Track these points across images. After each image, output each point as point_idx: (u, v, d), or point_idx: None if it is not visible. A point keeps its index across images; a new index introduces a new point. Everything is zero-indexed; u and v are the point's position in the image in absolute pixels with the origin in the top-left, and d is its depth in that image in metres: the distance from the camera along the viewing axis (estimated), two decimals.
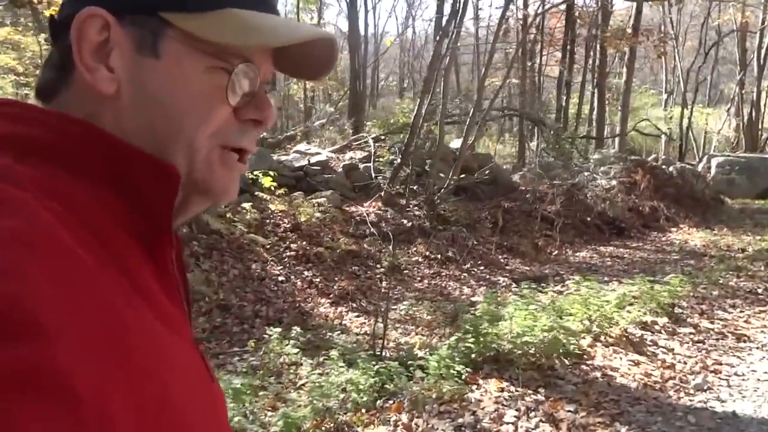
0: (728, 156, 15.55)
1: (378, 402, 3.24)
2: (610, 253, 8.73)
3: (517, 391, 3.31)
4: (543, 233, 9.14)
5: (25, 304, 0.32)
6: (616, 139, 17.64)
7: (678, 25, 23.92)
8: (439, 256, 7.71)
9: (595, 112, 17.51)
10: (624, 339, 3.99)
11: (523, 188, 10.40)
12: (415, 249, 7.77)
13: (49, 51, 0.52)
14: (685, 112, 19.98)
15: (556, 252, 8.75)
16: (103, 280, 0.39)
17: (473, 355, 3.70)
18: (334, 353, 3.49)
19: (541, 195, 9.81)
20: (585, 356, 3.75)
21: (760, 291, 5.16)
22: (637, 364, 3.66)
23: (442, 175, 8.67)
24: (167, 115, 0.49)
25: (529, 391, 3.30)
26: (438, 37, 7.68)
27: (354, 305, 6.09)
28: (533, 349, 3.64)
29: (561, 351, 3.71)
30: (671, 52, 24.64)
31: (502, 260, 8.12)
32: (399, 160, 7.94)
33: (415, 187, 8.55)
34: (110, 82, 0.47)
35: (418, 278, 7.09)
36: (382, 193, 8.44)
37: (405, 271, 7.20)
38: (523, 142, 13.51)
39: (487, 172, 8.51)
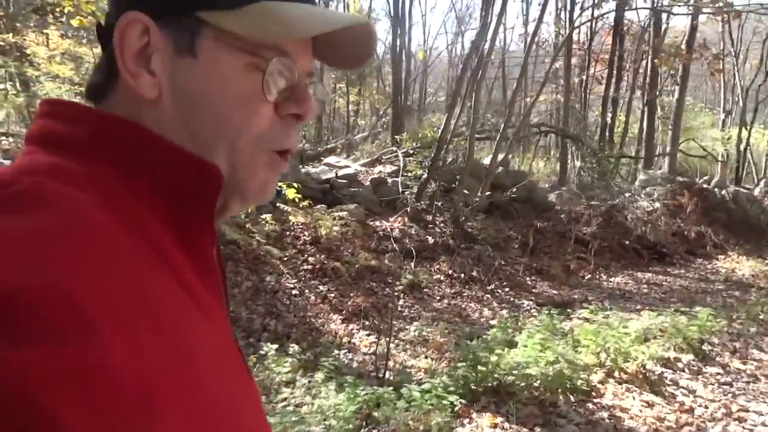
0: None
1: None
2: (647, 280, 8.24)
3: (511, 428, 3.06)
4: (576, 256, 8.72)
5: (75, 300, 0.33)
6: (666, 160, 16.86)
7: (738, 42, 22.78)
8: (462, 275, 7.46)
9: (644, 132, 16.83)
10: (640, 376, 3.66)
11: (559, 208, 10.00)
12: (438, 267, 7.55)
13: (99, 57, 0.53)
14: (744, 133, 18.91)
15: (588, 276, 8.33)
16: (149, 274, 0.40)
17: (472, 385, 3.47)
18: (319, 375, 3.33)
19: (577, 215, 9.40)
20: (593, 393, 3.45)
21: None
22: (650, 405, 3.34)
23: (469, 192, 8.43)
24: (207, 116, 0.49)
25: (525, 430, 3.04)
26: (468, 50, 7.49)
27: (366, 323, 5.93)
28: (537, 382, 3.38)
29: (568, 386, 3.43)
30: (730, 70, 23.50)
31: (529, 282, 7.79)
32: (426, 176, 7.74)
33: (441, 204, 8.34)
34: (152, 87, 0.48)
35: (438, 297, 6.86)
36: (408, 209, 8.27)
37: (425, 290, 6.98)
38: (565, 161, 13.05)
39: (514, 190, 8.21)
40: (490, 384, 3.51)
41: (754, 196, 13.97)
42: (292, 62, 0.51)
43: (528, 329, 4.47)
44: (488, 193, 9.38)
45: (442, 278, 7.35)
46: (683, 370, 3.82)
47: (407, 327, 5.88)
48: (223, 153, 0.50)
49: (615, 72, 14.75)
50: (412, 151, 9.11)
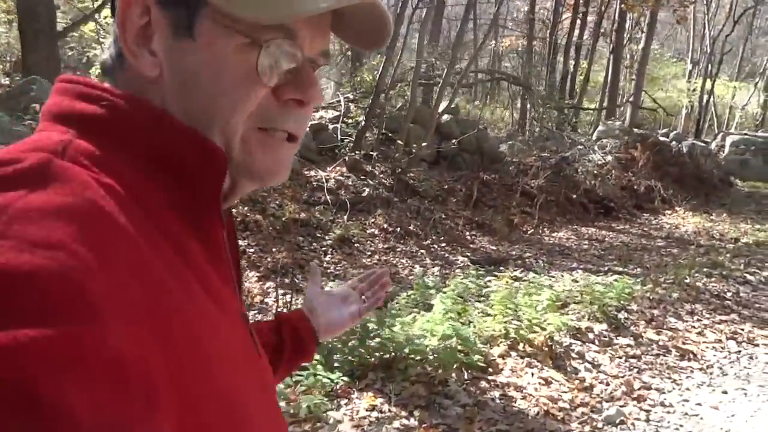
0: (745, 135, 14.49)
1: None
2: (590, 236, 8.06)
3: (389, 411, 2.78)
4: (521, 210, 8.47)
5: (75, 282, 0.33)
6: (628, 111, 16.59)
7: None
8: (398, 229, 7.13)
9: (609, 81, 16.44)
10: (546, 349, 3.41)
11: (509, 159, 9.67)
12: (373, 220, 7.19)
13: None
14: (708, 85, 18.71)
15: (531, 231, 8.10)
16: (153, 256, 0.40)
17: (358, 360, 3.16)
18: None
19: (526, 168, 9.09)
20: (491, 369, 3.19)
21: (728, 296, 4.50)
22: (548, 383, 3.10)
23: (415, 142, 7.99)
24: (204, 97, 0.48)
25: (404, 413, 2.76)
26: None
27: (286, 281, 5.58)
28: (431, 356, 3.10)
29: (464, 360, 3.16)
30: (701, 19, 23.04)
31: (468, 237, 7.52)
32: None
33: (378, 154, 7.89)
34: (153, 66, 0.48)
35: (369, 253, 6.54)
36: (347, 158, 7.82)
37: (356, 245, 6.65)
38: (525, 111, 12.60)
39: (457, 140, 7.78)
40: (382, 358, 3.22)
41: (710, 150, 13.89)
42: (294, 44, 0.49)
43: (443, 293, 4.17)
44: (436, 143, 8.97)
45: (376, 232, 7.01)
46: (593, 342, 3.59)
47: (330, 284, 5.57)
48: (218, 134, 0.49)
49: (580, 17, 14.17)
50: (353, 96, 8.55)
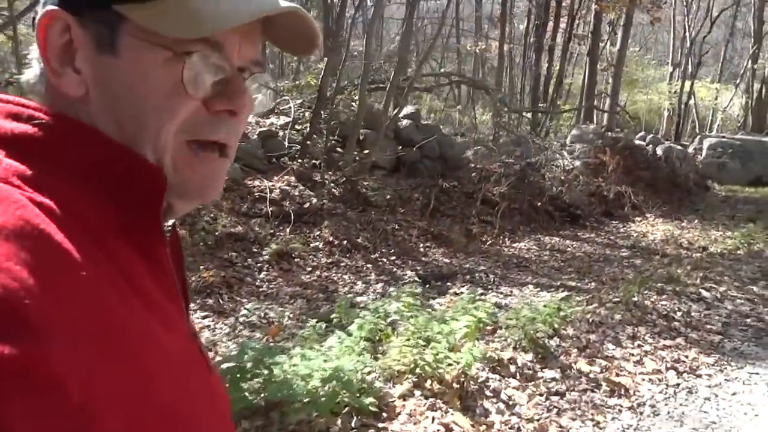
0: (722, 137, 14.20)
1: None
2: (553, 246, 7.66)
3: None
4: (481, 219, 8.07)
5: (13, 302, 0.32)
6: (605, 114, 16.28)
7: None
8: (345, 242, 6.70)
9: (585, 84, 16.11)
10: (456, 386, 2.99)
11: (473, 166, 9.27)
12: (318, 233, 6.76)
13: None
14: (687, 87, 18.45)
15: (491, 242, 7.70)
16: (92, 275, 0.39)
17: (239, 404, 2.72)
18: None
19: (489, 174, 8.69)
20: (385, 414, 2.77)
21: (677, 316, 4.09)
22: (449, 430, 2.67)
23: (369, 148, 7.57)
24: (132, 113, 0.48)
25: None
26: None
27: (209, 302, 5.13)
28: (305, 400, 2.67)
29: (355, 405, 2.73)
30: (682, 21, 22.85)
31: (421, 249, 7.10)
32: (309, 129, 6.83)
33: (324, 161, 7.47)
34: (78, 85, 0.47)
35: (309, 269, 6.10)
36: (294, 167, 7.39)
37: (296, 260, 6.21)
38: (497, 115, 12.19)
39: (415, 148, 7.37)
40: (267, 401, 2.79)
41: (686, 153, 13.58)
42: (222, 55, 0.49)
43: (360, 318, 3.75)
44: (392, 150, 8.56)
45: (320, 246, 6.58)
46: (514, 376, 3.17)
47: (257, 306, 5.14)
48: (148, 147, 0.48)
49: (552, 19, 13.84)
50: (303, 102, 8.13)
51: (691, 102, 21.15)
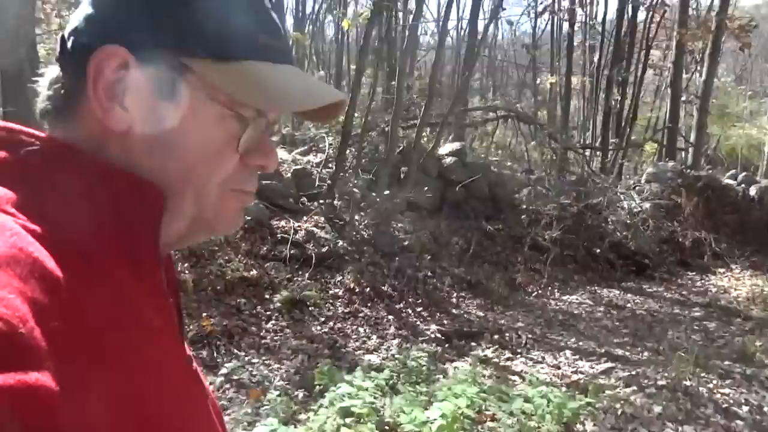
0: None
1: None
2: (610, 300, 6.68)
3: None
4: (529, 267, 7.24)
5: (6, 330, 0.33)
6: (690, 150, 14.76)
7: None
8: (368, 289, 6.16)
9: (667, 119, 14.77)
10: None
11: (525, 207, 8.46)
12: (340, 279, 6.27)
13: (55, 73, 0.52)
14: None
15: (538, 292, 6.84)
16: (87, 301, 0.39)
17: None
18: None
19: (540, 216, 7.86)
20: None
21: (741, 411, 3.15)
22: None
23: (413, 188, 7.06)
24: (178, 160, 0.49)
25: None
26: (370, 14, 6.06)
27: (203, 354, 4.74)
28: None
29: None
30: None
31: (454, 300, 6.40)
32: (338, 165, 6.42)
33: (359, 201, 7.02)
34: (122, 121, 0.48)
35: (323, 319, 5.59)
36: (323, 206, 7.00)
37: (311, 308, 5.73)
38: (542, 152, 11.21)
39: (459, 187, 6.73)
40: None
41: None
42: (265, 119, 0.52)
43: (333, 392, 3.17)
44: (440, 190, 7.97)
45: (340, 293, 6.07)
46: None
47: (253, 361, 4.70)
48: (190, 195, 0.50)
49: (627, 48, 12.82)
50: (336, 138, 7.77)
51: None
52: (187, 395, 0.49)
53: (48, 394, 0.32)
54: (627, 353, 4.71)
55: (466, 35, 9.61)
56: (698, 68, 17.14)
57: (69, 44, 0.49)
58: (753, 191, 11.22)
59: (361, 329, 5.51)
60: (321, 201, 6.88)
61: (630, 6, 12.50)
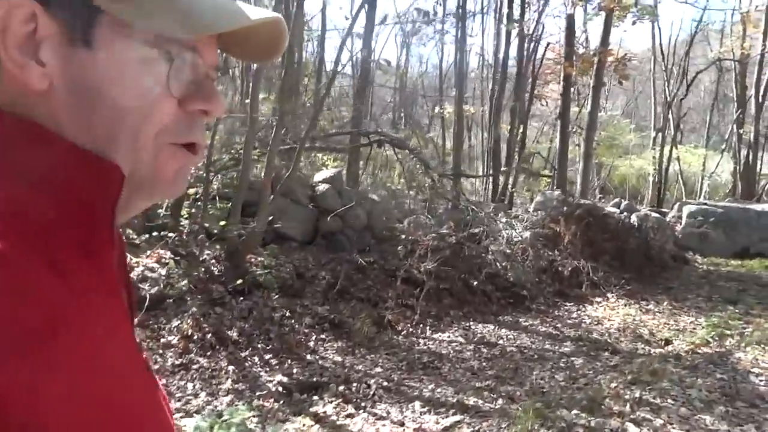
0: (703, 204, 12.98)
1: None
2: (483, 337, 6.26)
3: None
4: (402, 302, 6.72)
5: None
6: (578, 179, 15.20)
7: (671, 53, 21.58)
8: (209, 335, 5.35)
9: (558, 149, 15.16)
10: None
11: (404, 238, 8.01)
12: (178, 323, 5.41)
13: None
14: (666, 151, 17.50)
15: (408, 331, 6.31)
16: (38, 283, 0.38)
17: None
18: None
19: (415, 247, 7.42)
20: None
21: None
22: None
23: (275, 218, 6.34)
24: (107, 111, 0.45)
25: None
26: None
27: None
28: None
29: None
30: (662, 85, 22.31)
31: (311, 343, 5.71)
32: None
33: (209, 234, 6.24)
34: (41, 78, 0.44)
35: None
36: (169, 240, 6.15)
37: None
38: (411, 179, 10.86)
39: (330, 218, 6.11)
40: None
41: (665, 222, 12.34)
42: (198, 56, 0.48)
43: None
44: (311, 219, 7.33)
45: (175, 341, 5.22)
46: None
47: None
48: (124, 148, 0.46)
49: (515, 78, 13.02)
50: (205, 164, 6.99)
51: (676, 168, 20.19)
52: (142, 384, 0.46)
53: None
54: (481, 402, 4.22)
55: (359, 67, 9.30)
56: (586, 101, 17.91)
57: None
58: (633, 219, 11.52)
59: (190, 385, 4.69)
60: (165, 232, 6.03)
61: (518, 40, 12.74)
